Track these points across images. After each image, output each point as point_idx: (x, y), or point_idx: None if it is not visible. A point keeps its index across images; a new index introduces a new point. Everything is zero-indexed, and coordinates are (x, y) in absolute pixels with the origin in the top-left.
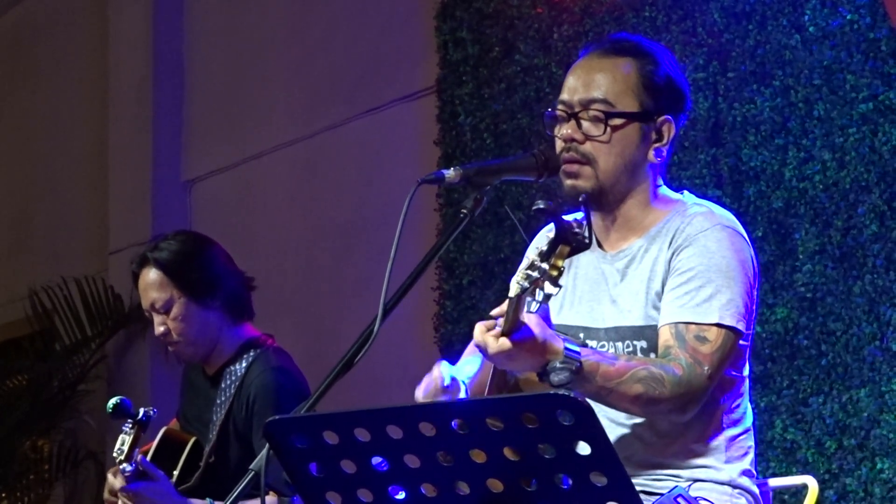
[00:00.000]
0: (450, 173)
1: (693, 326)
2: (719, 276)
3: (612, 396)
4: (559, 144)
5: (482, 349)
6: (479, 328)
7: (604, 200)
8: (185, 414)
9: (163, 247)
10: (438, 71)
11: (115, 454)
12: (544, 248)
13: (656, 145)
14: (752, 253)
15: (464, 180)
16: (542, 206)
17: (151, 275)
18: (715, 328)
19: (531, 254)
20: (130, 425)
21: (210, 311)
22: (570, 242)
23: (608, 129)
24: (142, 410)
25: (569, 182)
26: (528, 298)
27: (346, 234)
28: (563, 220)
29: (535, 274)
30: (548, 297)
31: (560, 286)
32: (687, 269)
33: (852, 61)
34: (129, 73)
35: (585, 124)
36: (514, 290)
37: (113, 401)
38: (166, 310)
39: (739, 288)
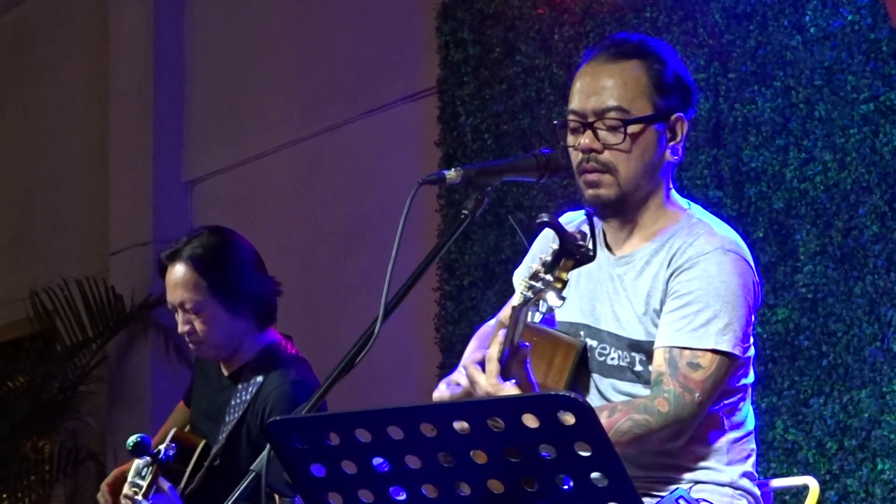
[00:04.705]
0: (451, 174)
1: (687, 352)
2: (718, 301)
3: None
4: (576, 155)
5: (471, 381)
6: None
7: (625, 207)
8: (194, 406)
9: (198, 244)
10: (439, 71)
11: (128, 484)
12: (548, 259)
13: (671, 144)
14: (755, 275)
15: (465, 181)
16: (545, 220)
17: (184, 272)
18: (710, 354)
19: (535, 263)
20: (150, 461)
21: (239, 319)
22: (575, 255)
23: (627, 136)
24: (162, 449)
25: (590, 192)
26: (532, 309)
27: (346, 235)
28: (567, 232)
29: (539, 285)
30: (551, 308)
31: (564, 298)
32: (686, 293)
33: (853, 62)
34: (129, 73)
35: (602, 133)
36: (517, 299)
37: (133, 438)
38: (196, 311)
39: (738, 312)
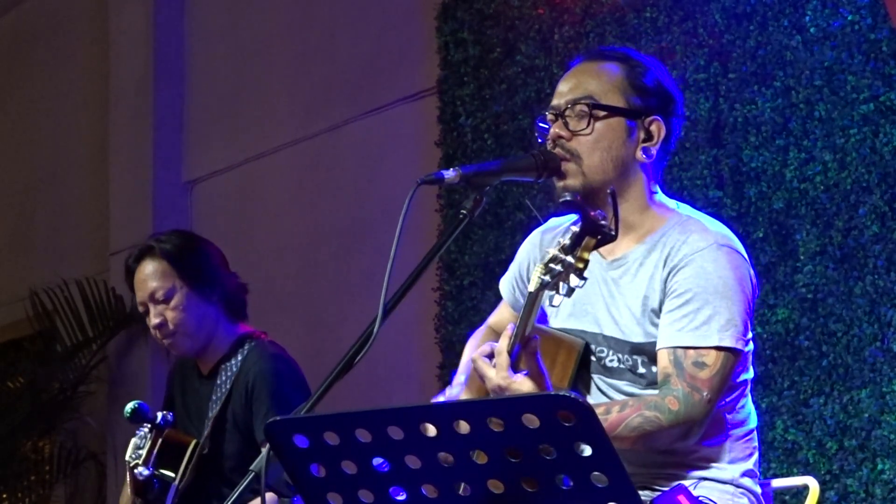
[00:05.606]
0: (450, 174)
1: (691, 352)
2: (716, 297)
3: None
4: (548, 146)
5: (481, 375)
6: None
7: (595, 200)
8: (178, 417)
9: (164, 239)
10: (439, 71)
11: (128, 458)
12: (567, 241)
13: (645, 144)
14: (750, 268)
15: (464, 181)
16: (568, 199)
17: (153, 265)
18: (714, 351)
19: (551, 248)
20: (148, 429)
21: (209, 304)
22: (597, 234)
23: (592, 121)
24: (160, 415)
25: (559, 184)
26: (551, 293)
27: (346, 235)
28: (589, 212)
29: (559, 268)
30: (571, 290)
31: (586, 279)
32: (684, 291)
33: (853, 62)
34: (129, 72)
35: (571, 122)
36: (534, 284)
37: (131, 405)
38: (167, 299)
39: (738, 307)
